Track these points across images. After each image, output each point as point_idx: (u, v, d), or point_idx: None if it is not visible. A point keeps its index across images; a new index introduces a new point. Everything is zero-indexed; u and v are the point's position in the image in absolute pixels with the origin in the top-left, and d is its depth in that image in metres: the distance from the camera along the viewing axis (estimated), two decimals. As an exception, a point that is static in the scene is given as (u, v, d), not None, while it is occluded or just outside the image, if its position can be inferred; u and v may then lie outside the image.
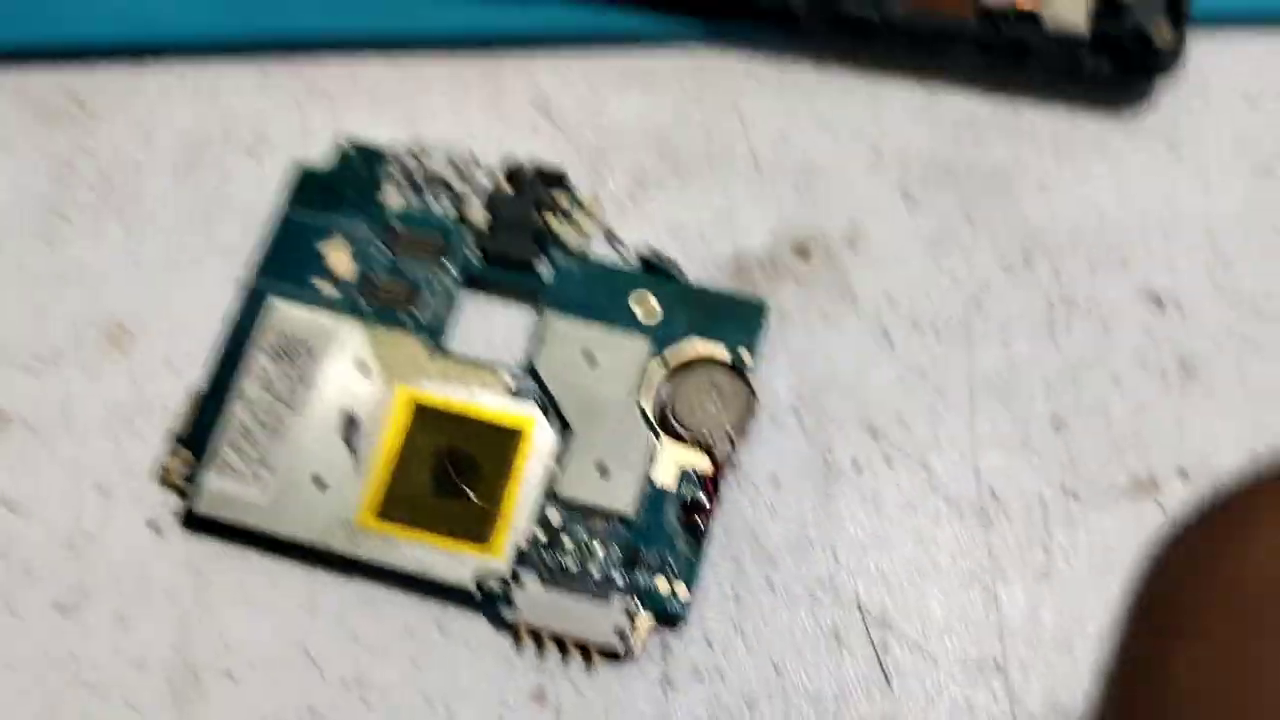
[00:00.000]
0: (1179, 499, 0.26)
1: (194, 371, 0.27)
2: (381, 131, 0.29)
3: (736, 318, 0.27)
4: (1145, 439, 0.26)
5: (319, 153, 0.29)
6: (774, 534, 0.25)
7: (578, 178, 0.28)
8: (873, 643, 0.25)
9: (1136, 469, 0.26)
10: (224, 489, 0.25)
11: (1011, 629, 0.25)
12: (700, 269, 0.28)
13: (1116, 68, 0.29)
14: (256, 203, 0.28)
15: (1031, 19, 0.28)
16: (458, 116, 0.29)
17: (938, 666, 0.24)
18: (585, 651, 0.24)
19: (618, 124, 0.29)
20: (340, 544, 0.25)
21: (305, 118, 0.29)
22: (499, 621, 0.24)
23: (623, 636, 0.24)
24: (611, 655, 0.24)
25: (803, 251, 0.28)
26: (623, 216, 0.28)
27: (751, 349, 0.26)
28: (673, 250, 0.28)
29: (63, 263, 0.28)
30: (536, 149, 0.29)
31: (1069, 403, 0.27)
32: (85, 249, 0.28)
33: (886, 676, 0.24)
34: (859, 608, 0.25)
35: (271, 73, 0.30)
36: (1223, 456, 0.26)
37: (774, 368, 0.27)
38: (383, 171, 0.28)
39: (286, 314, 0.26)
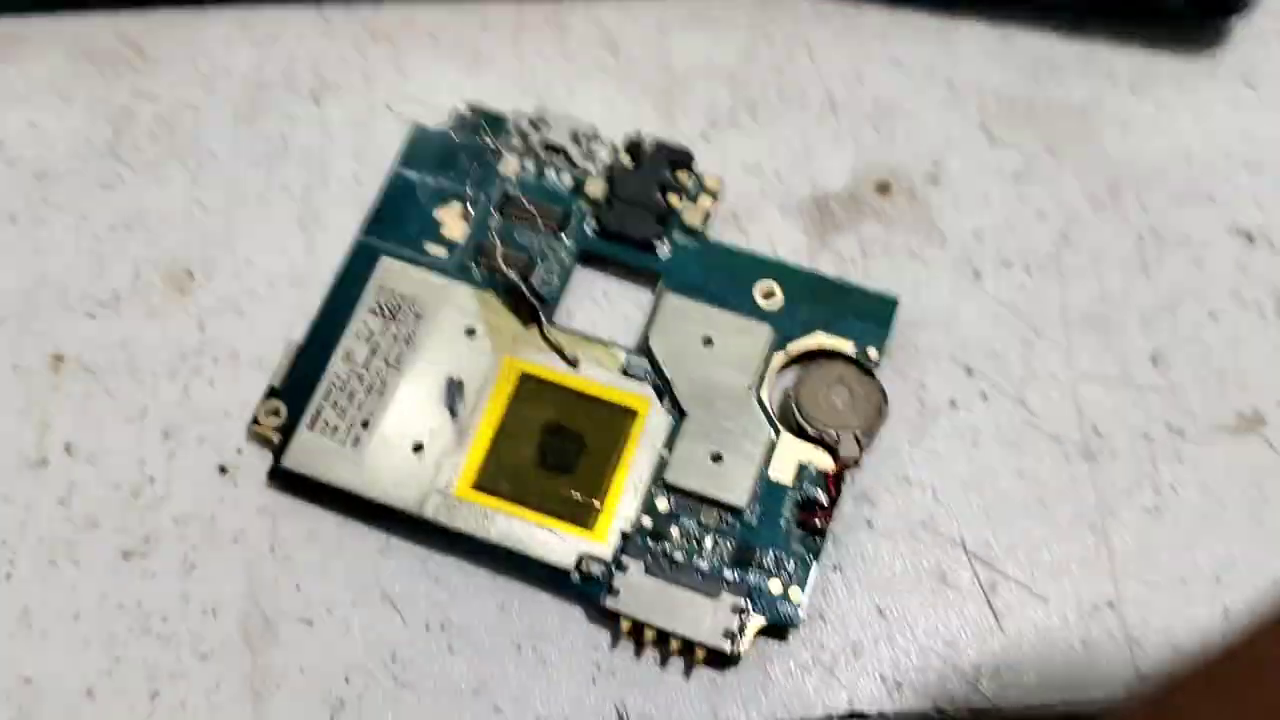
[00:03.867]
0: (1289, 432, 0.23)
1: (259, 314, 0.24)
2: (444, 75, 0.27)
3: (867, 312, 0.24)
4: (1246, 374, 0.24)
5: (382, 97, 0.26)
6: (870, 473, 0.23)
7: (646, 118, 0.26)
8: (980, 583, 0.22)
9: (1240, 404, 0.24)
10: (318, 445, 0.22)
11: (1124, 568, 0.22)
12: (780, 209, 0.25)
13: (1193, 7, 0.27)
14: (318, 147, 0.26)
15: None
16: (521, 60, 0.27)
17: (1049, 606, 0.22)
18: (688, 649, 0.21)
19: (686, 64, 0.27)
20: (437, 513, 0.22)
21: (366, 62, 0.27)
22: (597, 610, 0.22)
23: (731, 639, 0.21)
24: (717, 656, 0.21)
25: (884, 189, 0.26)
26: (697, 156, 0.26)
27: (880, 347, 0.23)
28: (750, 189, 0.26)
29: (124, 209, 0.26)
30: (605, 90, 0.27)
31: (1166, 337, 0.24)
32: (147, 195, 0.26)
33: (996, 617, 0.22)
34: (963, 548, 0.23)
35: (331, 17, 0.28)
36: (1329, 389, 0.24)
37: (861, 304, 0.24)
38: (501, 137, 0.25)
39: (398, 272, 0.24)
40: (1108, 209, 0.26)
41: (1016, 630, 0.22)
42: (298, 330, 0.24)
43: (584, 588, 0.22)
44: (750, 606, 0.21)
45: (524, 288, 0.23)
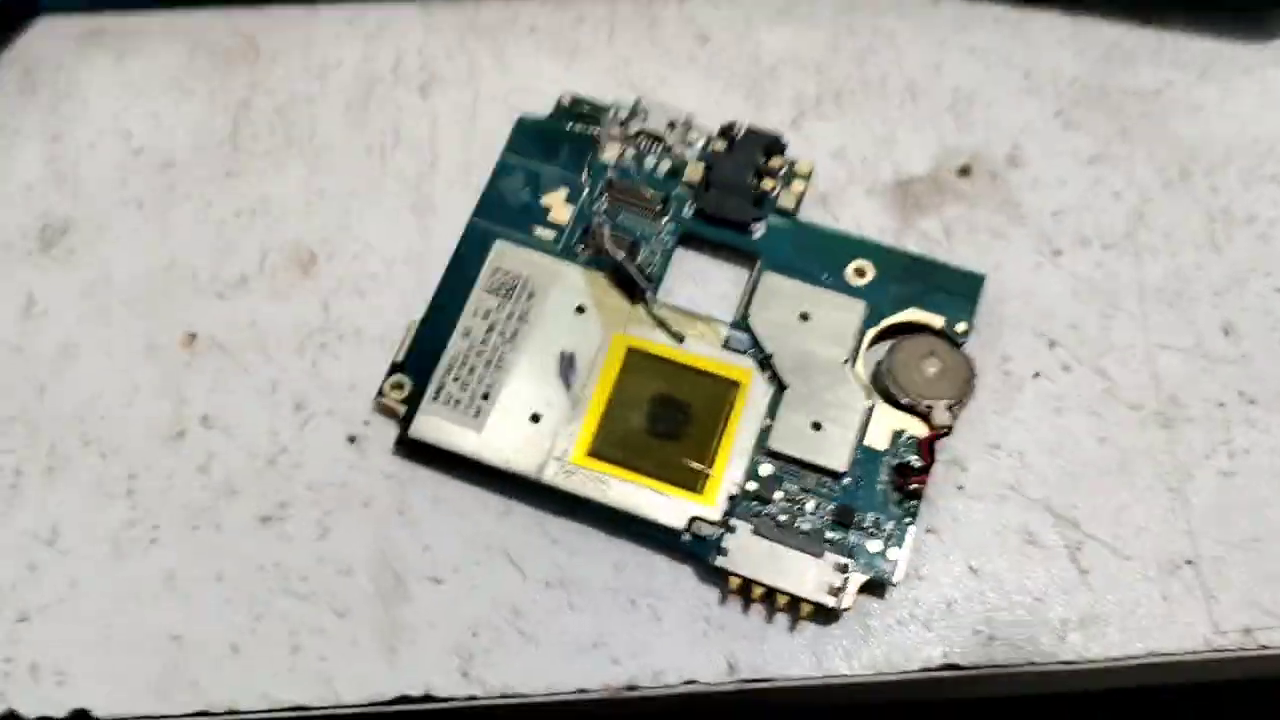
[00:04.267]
0: (1358, 400, 0.25)
1: (380, 295, 0.26)
2: (544, 68, 0.28)
3: (954, 288, 0.25)
4: (1315, 345, 0.25)
5: (486, 89, 0.28)
6: (960, 440, 0.24)
7: (736, 108, 0.28)
8: (1065, 543, 0.24)
9: (1310, 373, 0.25)
10: (442, 415, 0.24)
11: (1201, 528, 0.24)
12: (866, 192, 0.27)
13: (1257, -4, 0.28)
14: (427, 136, 0.27)
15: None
16: (616, 53, 0.28)
17: (1131, 564, 0.23)
18: (793, 605, 0.23)
19: (774, 56, 0.28)
20: (556, 478, 0.23)
21: (469, 55, 0.28)
22: (706, 569, 0.23)
23: (835, 594, 0.22)
24: (821, 611, 0.23)
25: (965, 172, 0.27)
26: (787, 143, 0.27)
27: (970, 321, 0.25)
28: (838, 174, 0.27)
29: (247, 195, 0.27)
30: (696, 82, 0.28)
31: (1236, 310, 0.26)
32: (267, 182, 0.27)
33: (1081, 574, 0.23)
34: (1049, 510, 0.24)
35: (435, 12, 0.29)
36: (1395, 359, 0.25)
37: (946, 282, 0.26)
38: (602, 126, 0.27)
39: (510, 253, 0.25)
40: (1178, 189, 0.27)
41: (1101, 586, 0.23)
42: (416, 310, 0.25)
43: (694, 548, 0.23)
44: (851, 565, 0.23)
45: (631, 269, 0.25)
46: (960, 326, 0.25)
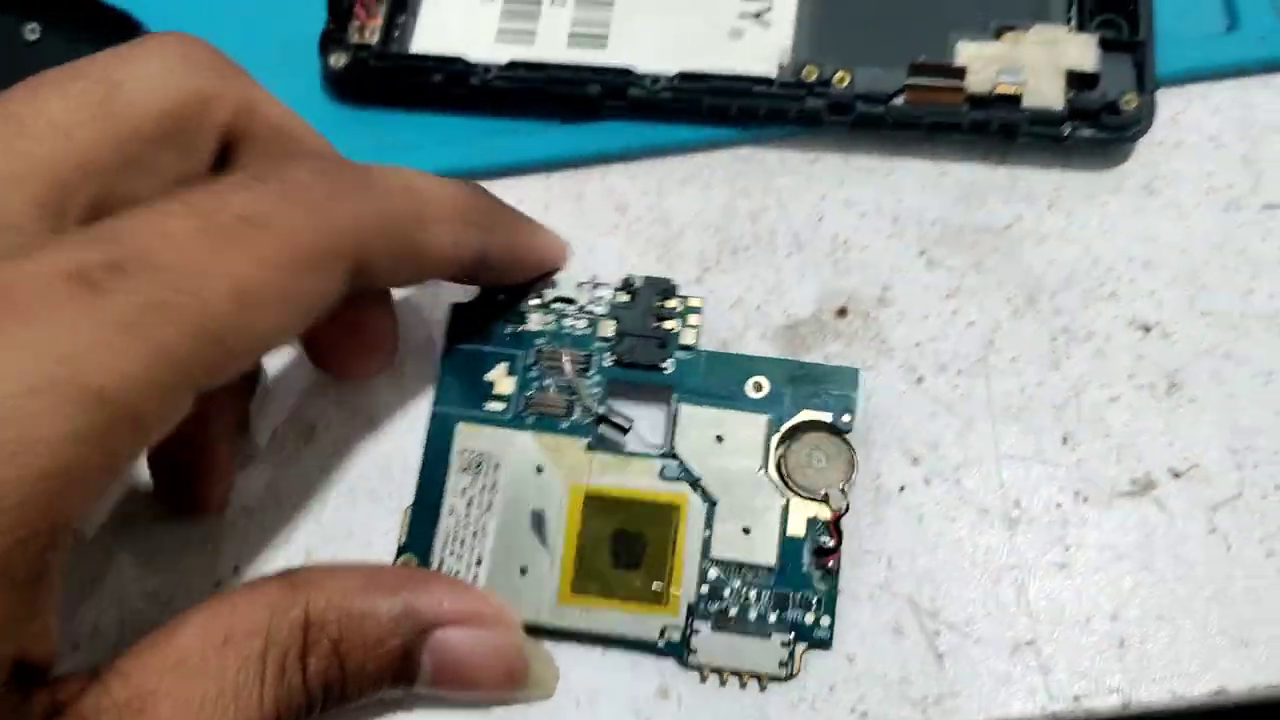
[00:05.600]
0: (1173, 495, 0.29)
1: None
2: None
3: (835, 385, 0.30)
4: (1140, 446, 0.30)
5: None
6: (843, 549, 0.29)
7: (651, 268, 0.33)
8: (924, 632, 0.28)
9: (1135, 472, 0.30)
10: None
11: (1039, 613, 0.28)
12: (760, 336, 0.32)
13: (1095, 134, 0.32)
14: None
15: (1014, 101, 0.32)
16: (552, 225, 0.33)
17: (981, 646, 0.28)
18: (759, 679, 0.28)
19: (681, 219, 0.34)
20: (549, 618, 0.29)
21: (430, 238, 0.34)
22: (684, 663, 0.28)
23: (785, 664, 0.28)
24: (778, 679, 0.28)
25: (843, 313, 0.32)
26: (690, 295, 0.32)
27: (852, 411, 0.30)
28: (736, 321, 0.32)
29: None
30: (618, 246, 0.33)
31: (1074, 419, 0.30)
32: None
33: (939, 658, 0.28)
34: (912, 603, 0.29)
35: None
36: (1209, 455, 0.29)
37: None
38: (522, 299, 0.32)
39: (471, 433, 0.30)
40: (1025, 314, 0.31)
41: (955, 667, 0.28)
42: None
43: (670, 651, 0.28)
44: (794, 638, 0.28)
45: (611, 422, 0.30)
46: (845, 418, 0.30)
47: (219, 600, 0.24)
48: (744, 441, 0.30)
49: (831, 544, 0.29)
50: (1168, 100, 0.33)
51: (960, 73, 0.32)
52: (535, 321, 0.32)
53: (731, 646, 0.28)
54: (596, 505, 0.30)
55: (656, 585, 0.29)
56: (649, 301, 0.31)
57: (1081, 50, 0.32)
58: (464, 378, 0.31)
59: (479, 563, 0.29)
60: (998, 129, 0.32)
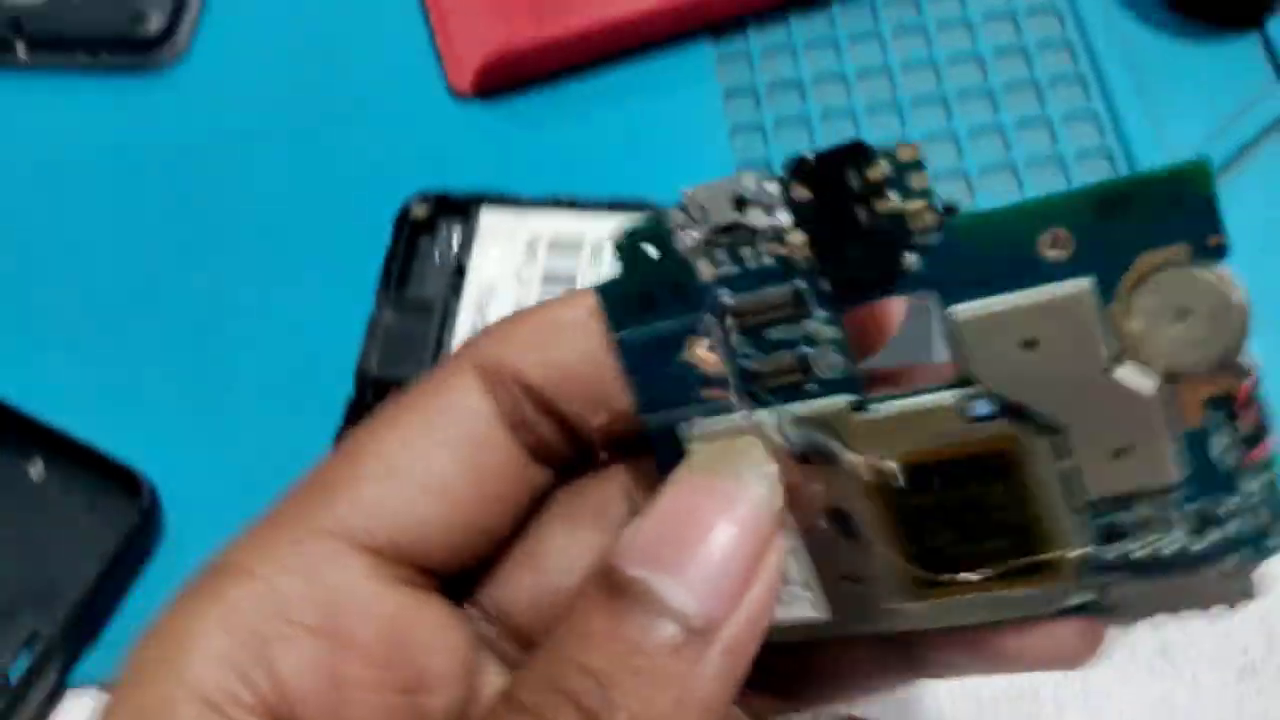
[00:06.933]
0: None
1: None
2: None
3: (1178, 193, 0.18)
4: None
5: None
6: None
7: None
8: None
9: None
10: (786, 618, 0.23)
11: None
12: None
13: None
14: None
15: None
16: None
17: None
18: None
19: None
20: (914, 621, 0.22)
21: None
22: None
23: (1245, 592, 0.21)
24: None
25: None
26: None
27: (1217, 222, 0.18)
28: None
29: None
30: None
31: None
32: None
33: None
34: None
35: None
36: None
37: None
38: (677, 246, 0.21)
39: (711, 429, 0.22)
40: None
41: None
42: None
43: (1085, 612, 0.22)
44: (1239, 559, 0.20)
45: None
46: (1210, 239, 0.18)
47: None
48: (1065, 331, 0.19)
49: (1251, 427, 0.19)
50: None
51: None
52: (705, 270, 0.21)
53: (1164, 592, 0.21)
54: (905, 478, 0.21)
55: (1022, 553, 0.21)
56: (842, 183, 0.20)
57: None
58: (655, 370, 0.22)
59: (804, 585, 0.23)
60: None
